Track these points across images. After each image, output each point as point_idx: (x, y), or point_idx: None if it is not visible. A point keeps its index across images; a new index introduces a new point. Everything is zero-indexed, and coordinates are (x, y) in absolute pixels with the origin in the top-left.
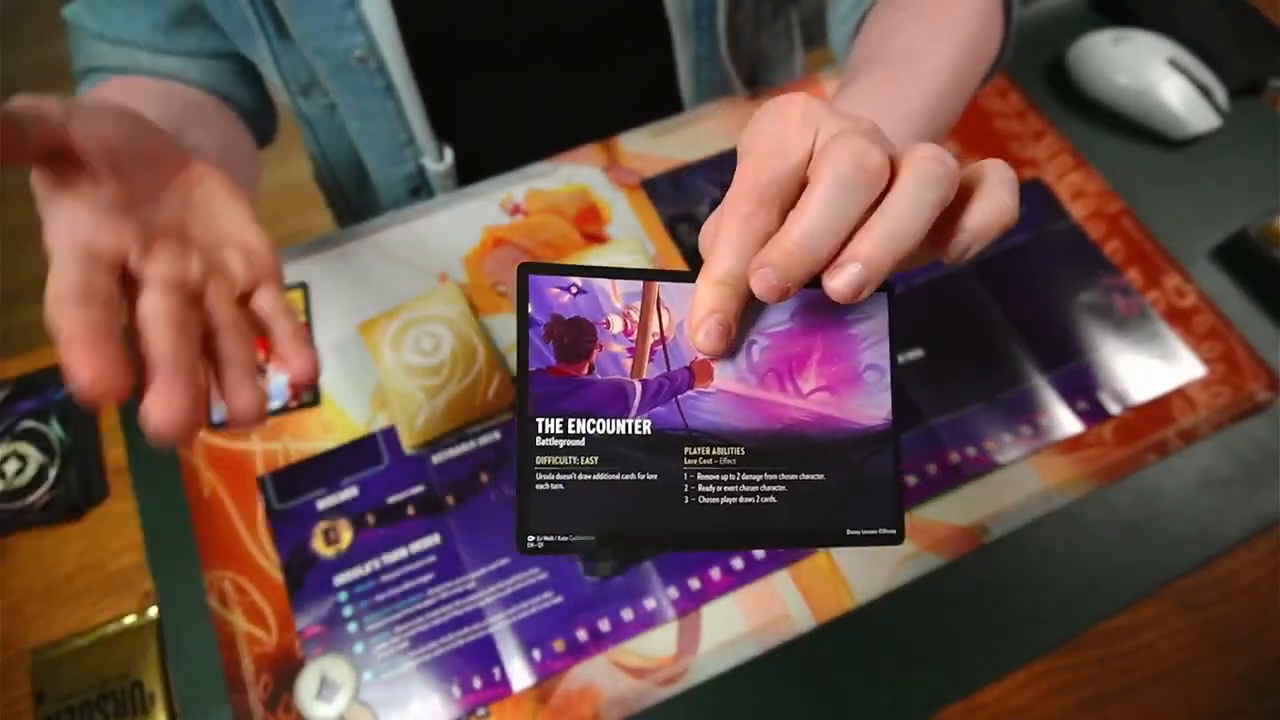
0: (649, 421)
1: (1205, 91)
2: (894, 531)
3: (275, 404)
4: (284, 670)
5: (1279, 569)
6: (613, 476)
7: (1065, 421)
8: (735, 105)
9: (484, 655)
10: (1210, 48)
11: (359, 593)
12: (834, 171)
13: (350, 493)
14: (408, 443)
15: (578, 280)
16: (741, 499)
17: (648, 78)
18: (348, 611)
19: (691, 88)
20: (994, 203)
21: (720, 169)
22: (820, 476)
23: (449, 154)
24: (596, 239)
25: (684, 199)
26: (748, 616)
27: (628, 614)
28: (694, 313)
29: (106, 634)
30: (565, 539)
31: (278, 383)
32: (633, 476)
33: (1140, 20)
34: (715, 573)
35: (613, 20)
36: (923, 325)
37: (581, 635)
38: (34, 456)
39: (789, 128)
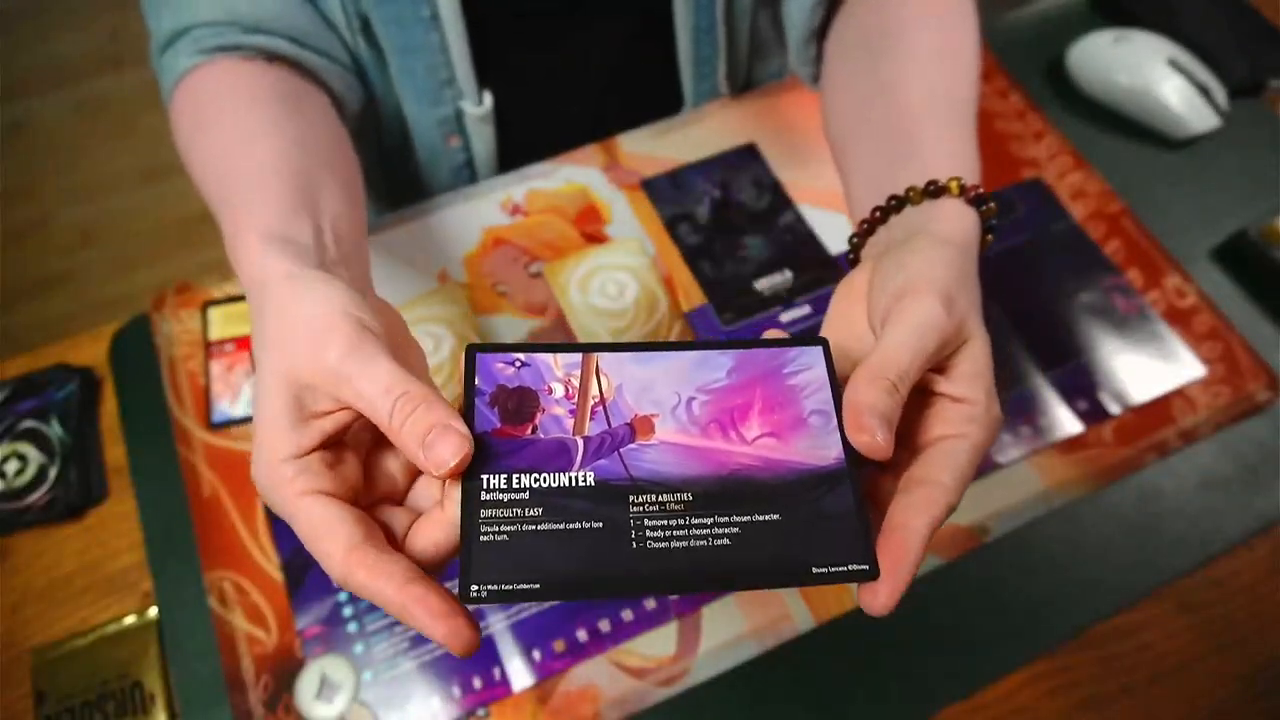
0: (592, 473)
1: (1205, 91)
2: (866, 567)
3: None
4: (284, 670)
5: (1278, 569)
6: (557, 526)
7: (1065, 421)
8: (732, 106)
9: (484, 655)
10: (1210, 48)
11: None
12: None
13: None
14: None
15: (521, 355)
16: (693, 542)
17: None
18: (348, 611)
19: (691, 71)
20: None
21: (719, 169)
22: (775, 516)
23: (488, 98)
24: (596, 239)
25: (683, 198)
26: (747, 617)
27: (628, 614)
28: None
29: (106, 634)
30: (510, 588)
31: None
32: (578, 525)
33: (1140, 20)
34: None
35: None
36: None
37: (581, 635)
38: (34, 456)
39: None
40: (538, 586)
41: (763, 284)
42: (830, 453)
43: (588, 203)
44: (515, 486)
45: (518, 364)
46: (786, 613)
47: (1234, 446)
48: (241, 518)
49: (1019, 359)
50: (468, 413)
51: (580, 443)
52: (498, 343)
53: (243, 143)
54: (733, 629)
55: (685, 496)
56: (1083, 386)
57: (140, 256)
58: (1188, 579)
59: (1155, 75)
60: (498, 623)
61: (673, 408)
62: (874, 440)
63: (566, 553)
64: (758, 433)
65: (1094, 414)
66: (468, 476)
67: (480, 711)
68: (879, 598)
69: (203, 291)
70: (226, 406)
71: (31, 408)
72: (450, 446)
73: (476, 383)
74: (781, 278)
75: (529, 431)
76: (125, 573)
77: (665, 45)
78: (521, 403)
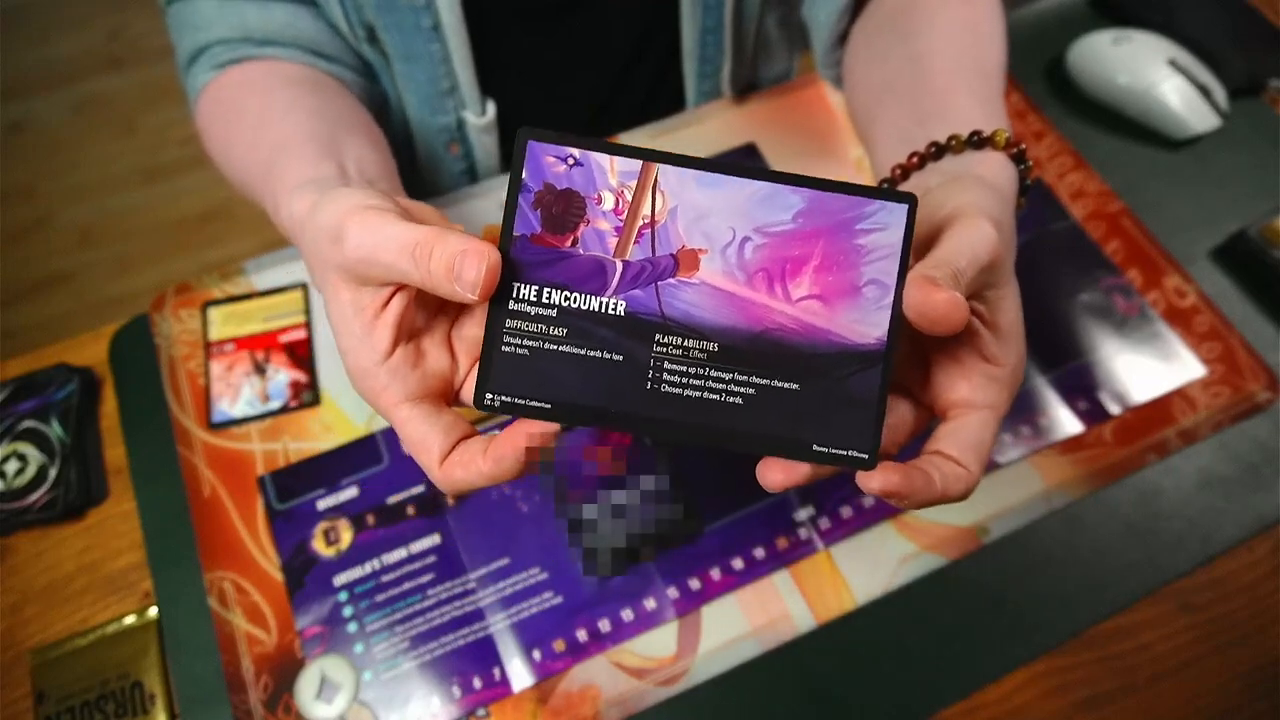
0: (624, 303)
1: (1205, 92)
2: (866, 455)
3: (275, 404)
4: (284, 670)
5: (1278, 569)
6: (578, 351)
7: (1065, 422)
8: (733, 106)
9: (484, 655)
10: (1210, 48)
11: (359, 593)
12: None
13: (350, 493)
14: None
15: (576, 152)
16: (707, 394)
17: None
18: (348, 612)
19: (695, 69)
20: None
21: None
22: (795, 385)
23: (491, 108)
24: None
25: None
26: (748, 616)
27: (628, 614)
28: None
29: (106, 634)
30: (522, 402)
31: (278, 382)
32: (599, 354)
33: (1140, 20)
34: (715, 573)
35: None
36: None
37: (581, 635)
38: (34, 456)
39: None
40: (548, 406)
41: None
42: (874, 331)
43: None
44: (544, 301)
45: (570, 161)
46: (786, 613)
47: (1234, 446)
48: (241, 518)
49: None
50: (509, 209)
51: (619, 266)
52: (554, 131)
53: (266, 126)
54: (733, 629)
55: (711, 346)
56: (1083, 386)
57: (140, 256)
58: (1188, 579)
59: (1155, 75)
60: (498, 622)
61: (724, 245)
62: (950, 298)
63: (582, 379)
64: (805, 292)
65: (1094, 414)
66: (500, 284)
67: (480, 711)
68: (871, 481)
69: (203, 291)
70: (226, 406)
71: (31, 408)
72: (474, 265)
73: (524, 176)
74: None
75: (569, 244)
76: (125, 573)
77: (670, 46)
78: (568, 208)
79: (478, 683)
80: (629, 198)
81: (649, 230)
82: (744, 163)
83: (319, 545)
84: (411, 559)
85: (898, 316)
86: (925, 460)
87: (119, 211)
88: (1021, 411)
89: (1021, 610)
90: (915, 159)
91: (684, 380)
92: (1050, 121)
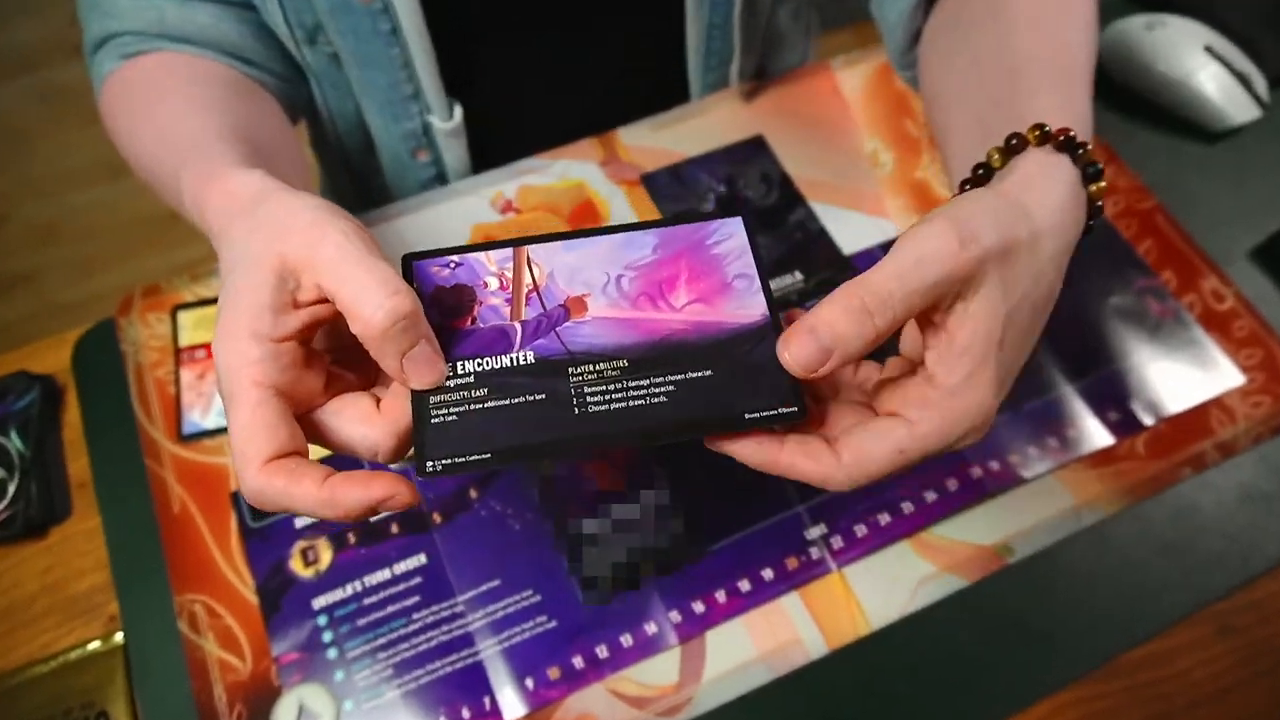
0: (532, 353)
1: (1244, 80)
2: (795, 409)
3: None
4: (259, 699)
5: None
6: (503, 402)
7: (1095, 433)
8: (739, 97)
9: (473, 683)
10: (1249, 34)
11: (339, 617)
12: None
13: None
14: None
15: (455, 257)
16: (631, 402)
17: (655, 48)
18: (327, 637)
19: (699, 63)
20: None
21: (724, 163)
22: (708, 372)
23: (458, 111)
24: None
25: (686, 194)
26: (755, 641)
27: (626, 639)
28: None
29: (70, 660)
30: (463, 459)
31: None
32: (522, 399)
33: (1175, 4)
34: (720, 595)
35: None
36: None
37: (577, 662)
38: None
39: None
40: (489, 455)
41: (770, 286)
42: (755, 311)
43: (584, 199)
44: (460, 372)
45: (452, 265)
46: (797, 637)
47: (1274, 459)
48: (214, 536)
49: (1045, 366)
50: None
51: (518, 326)
52: (432, 249)
53: (191, 115)
54: (739, 655)
55: (621, 363)
56: (1114, 396)
57: (105, 256)
58: (1226, 601)
59: (1192, 63)
60: (489, 648)
61: (603, 285)
62: (791, 359)
63: (513, 424)
64: (686, 300)
65: (1126, 425)
66: None
67: None
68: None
69: (172, 294)
70: (198, 417)
71: None
72: (430, 374)
73: (415, 288)
74: (791, 279)
75: (469, 323)
76: (90, 595)
77: (672, 43)
78: (460, 299)
79: (467, 713)
80: (510, 275)
81: (535, 294)
82: (592, 227)
83: (297, 566)
84: (396, 580)
85: (770, 294)
86: (812, 442)
87: (82, 208)
88: (1048, 422)
89: (1048, 635)
90: (967, 188)
91: (606, 397)
92: None
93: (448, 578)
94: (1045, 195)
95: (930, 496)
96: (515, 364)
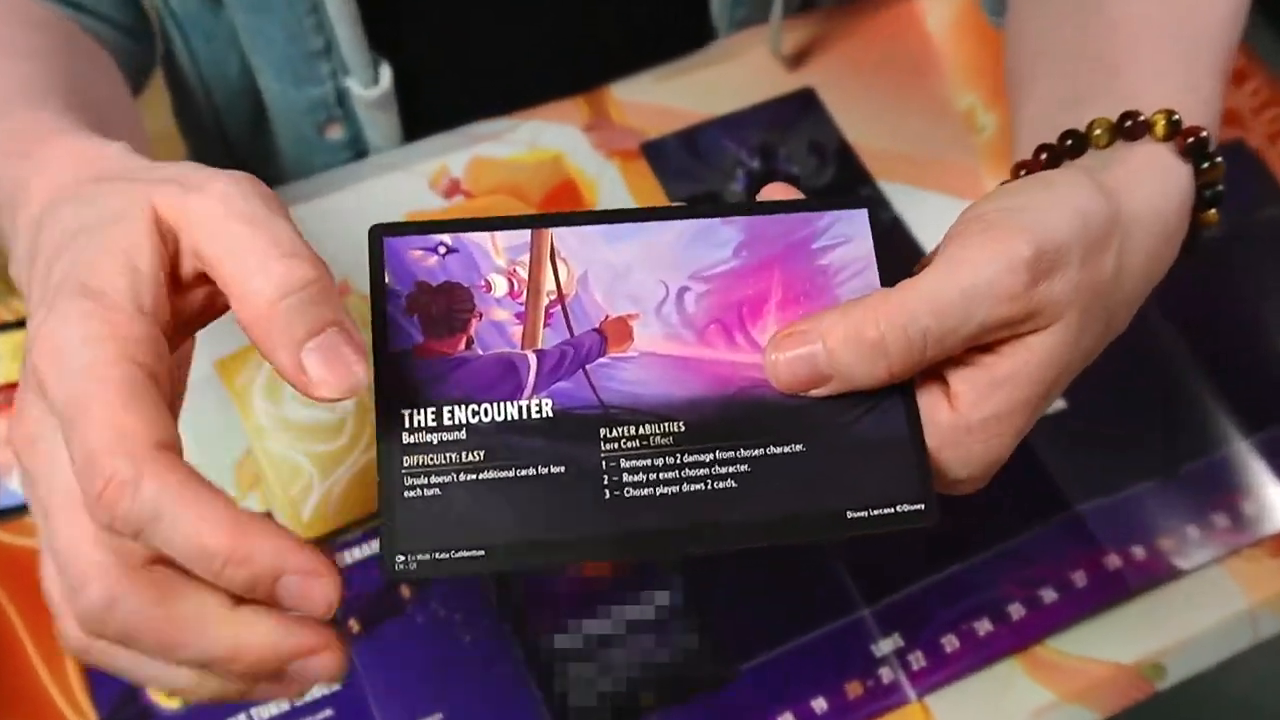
0: (550, 401)
1: None
2: (920, 507)
3: None
4: None
5: None
6: (505, 474)
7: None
8: (780, 35)
9: None
10: None
11: None
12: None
13: None
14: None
15: (445, 238)
16: (686, 486)
17: None
18: None
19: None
20: None
21: (758, 126)
22: (798, 447)
23: (386, 74)
24: None
25: (704, 170)
26: None
27: None
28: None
29: None
30: (445, 557)
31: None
32: (532, 471)
33: None
34: None
35: None
36: None
37: None
38: None
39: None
40: (481, 554)
41: None
42: None
43: (562, 177)
44: (447, 423)
45: (442, 249)
46: None
47: None
48: (40, 652)
49: (1208, 411)
50: (378, 326)
51: (532, 359)
52: (412, 221)
53: (12, 59)
54: None
55: (675, 426)
56: None
57: None
58: None
59: None
60: None
61: (658, 304)
62: (773, 368)
63: (520, 509)
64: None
65: None
66: (384, 411)
67: None
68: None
69: None
70: (16, 484)
71: None
72: (343, 378)
73: (388, 281)
74: None
75: (462, 346)
76: None
77: None
78: (451, 305)
79: None
80: (524, 275)
81: (559, 308)
82: (650, 207)
83: (156, 693)
84: (296, 713)
85: None
86: None
87: None
88: (1214, 492)
89: None
90: (1042, 155)
91: (652, 477)
92: (1257, 55)
93: (370, 711)
94: (1155, 214)
95: (1049, 596)
96: (525, 416)
